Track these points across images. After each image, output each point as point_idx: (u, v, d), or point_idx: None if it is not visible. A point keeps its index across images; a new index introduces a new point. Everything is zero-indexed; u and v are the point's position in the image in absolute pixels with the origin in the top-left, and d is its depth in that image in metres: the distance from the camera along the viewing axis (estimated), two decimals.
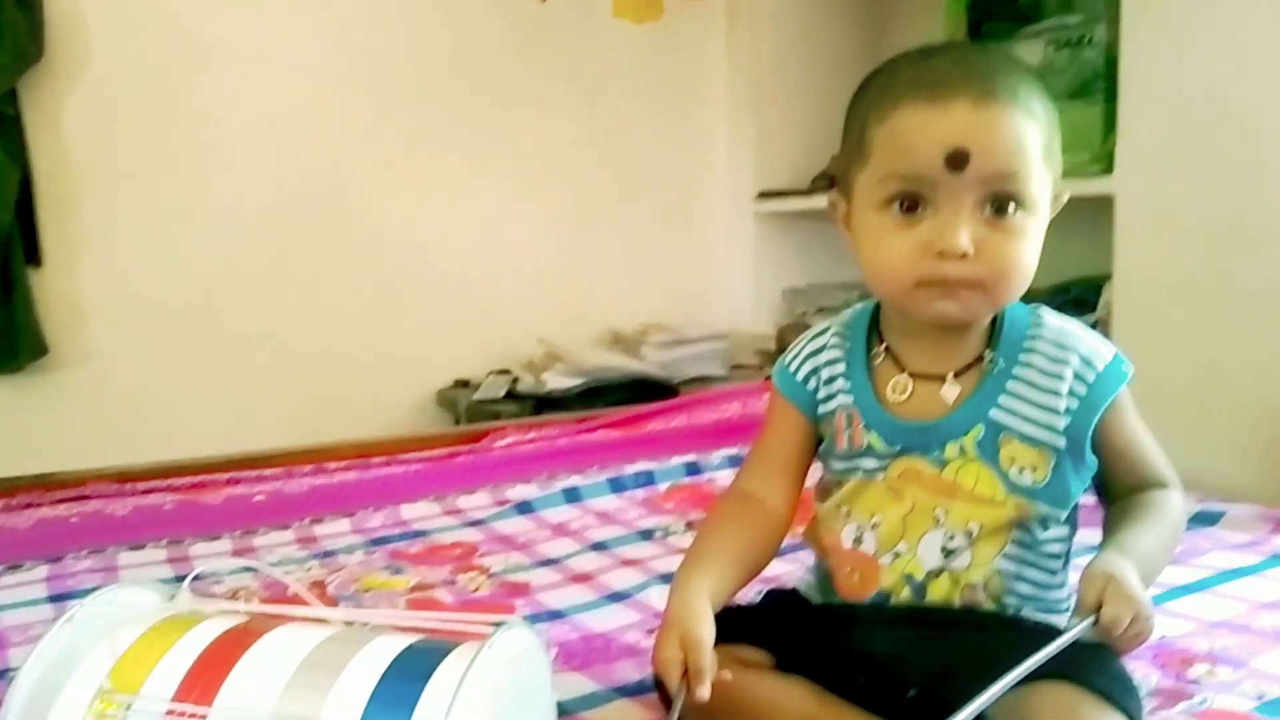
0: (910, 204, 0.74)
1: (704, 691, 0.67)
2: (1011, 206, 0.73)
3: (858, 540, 0.81)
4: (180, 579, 0.72)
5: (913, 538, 0.79)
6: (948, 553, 0.78)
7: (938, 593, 0.78)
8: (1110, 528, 0.79)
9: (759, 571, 0.83)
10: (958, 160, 0.71)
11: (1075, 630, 0.68)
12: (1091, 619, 0.68)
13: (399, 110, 2.20)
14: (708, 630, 0.70)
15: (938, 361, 0.80)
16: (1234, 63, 1.57)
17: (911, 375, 0.81)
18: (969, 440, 0.78)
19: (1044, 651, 0.66)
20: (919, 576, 0.79)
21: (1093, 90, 1.84)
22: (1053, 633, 0.70)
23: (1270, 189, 1.54)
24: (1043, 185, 0.75)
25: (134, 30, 1.94)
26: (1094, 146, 1.83)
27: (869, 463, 0.81)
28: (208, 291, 2.04)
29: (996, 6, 2.08)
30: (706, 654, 0.68)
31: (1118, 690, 0.67)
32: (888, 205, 0.75)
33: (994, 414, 0.78)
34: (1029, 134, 0.73)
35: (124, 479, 1.60)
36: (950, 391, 0.79)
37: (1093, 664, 0.68)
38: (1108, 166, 1.76)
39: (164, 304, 2.00)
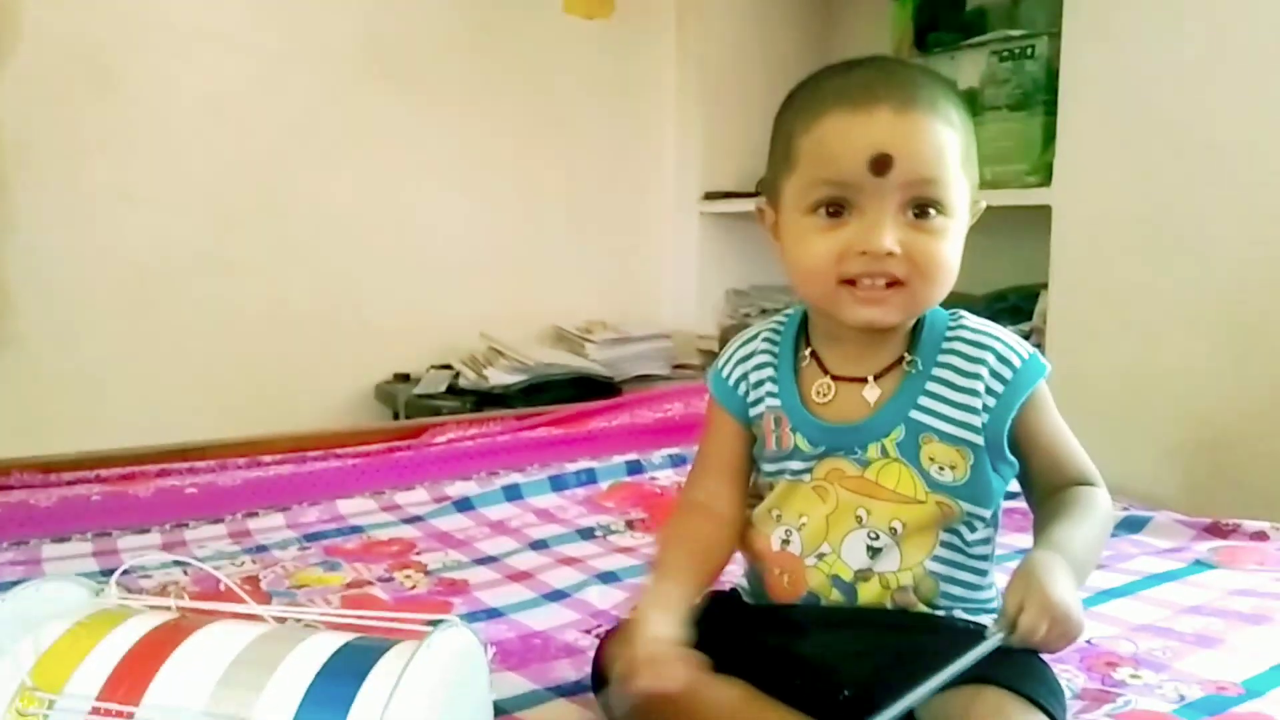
0: (836, 208, 0.77)
1: (643, 682, 0.68)
2: (933, 211, 0.76)
3: (785, 542, 0.83)
4: (107, 573, 0.71)
5: (835, 538, 0.80)
6: (873, 552, 0.79)
7: (869, 595, 0.80)
8: (1040, 526, 0.81)
9: (715, 577, 0.85)
10: (881, 165, 0.74)
11: (991, 641, 0.69)
12: (1006, 630, 0.70)
13: (343, 97, 2.16)
14: (660, 628, 0.72)
15: (859, 365, 0.82)
16: (1170, 80, 1.61)
17: (834, 378, 0.83)
18: (890, 441, 0.80)
19: (963, 660, 0.67)
20: (846, 577, 0.80)
21: (1034, 103, 1.88)
22: (978, 630, 0.72)
23: (1201, 202, 1.58)
24: (961, 192, 0.77)
25: (69, 8, 1.89)
26: (1033, 158, 1.87)
27: (795, 464, 0.83)
28: (141, 278, 1.99)
29: (942, 17, 2.11)
30: (654, 647, 0.70)
31: (1042, 693, 0.68)
32: (814, 210, 0.77)
33: (914, 414, 0.80)
34: (949, 141, 0.76)
35: (49, 469, 1.55)
36: (871, 393, 0.81)
37: (1019, 667, 0.70)
38: (1046, 178, 1.80)
39: (95, 289, 1.95)
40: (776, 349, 0.86)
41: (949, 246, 0.77)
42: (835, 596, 0.80)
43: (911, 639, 0.77)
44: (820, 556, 0.81)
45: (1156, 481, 1.61)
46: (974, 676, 0.68)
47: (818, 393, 0.83)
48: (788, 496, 0.83)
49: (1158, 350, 1.64)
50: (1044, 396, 0.82)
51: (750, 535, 0.86)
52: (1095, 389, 1.71)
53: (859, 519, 0.80)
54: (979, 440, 0.79)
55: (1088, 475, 0.83)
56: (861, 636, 0.78)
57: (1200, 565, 1.19)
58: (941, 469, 0.79)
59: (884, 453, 0.80)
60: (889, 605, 0.80)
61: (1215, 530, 1.30)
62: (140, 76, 1.96)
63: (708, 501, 0.87)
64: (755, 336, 0.89)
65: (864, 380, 0.82)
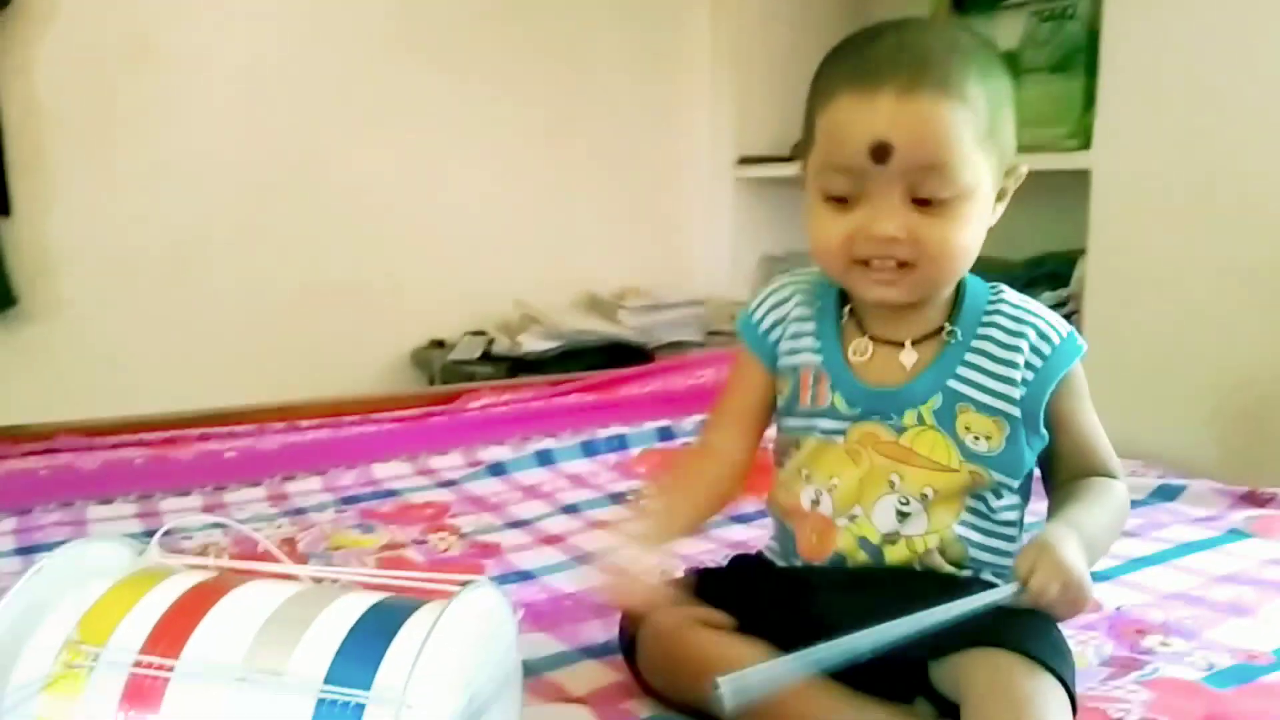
0: (845, 192, 0.77)
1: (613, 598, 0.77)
2: (940, 196, 0.75)
3: (815, 502, 0.83)
4: (149, 534, 0.72)
5: (868, 501, 0.81)
6: (902, 516, 0.80)
7: (896, 558, 0.80)
8: (1057, 507, 0.81)
9: (713, 513, 0.90)
10: (881, 153, 0.74)
11: (998, 593, 0.70)
12: (1017, 586, 0.71)
13: (376, 68, 2.17)
14: (643, 555, 0.77)
15: (898, 329, 0.83)
16: (1213, 41, 1.57)
17: (872, 339, 0.83)
18: (926, 409, 0.80)
19: (965, 602, 0.68)
20: (874, 540, 0.81)
21: (1074, 64, 1.84)
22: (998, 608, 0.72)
23: (1244, 169, 1.55)
24: (977, 169, 0.76)
25: None
26: (1073, 121, 1.83)
27: (827, 423, 0.83)
28: (179, 245, 2.02)
29: None
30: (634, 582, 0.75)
31: (1050, 654, 0.69)
32: (825, 191, 0.78)
33: (951, 383, 0.80)
34: (957, 123, 0.74)
35: (93, 433, 1.59)
36: (908, 358, 0.82)
37: (1027, 630, 0.70)
38: (1085, 142, 1.77)
39: (135, 257, 1.98)
40: (817, 303, 0.86)
41: (958, 228, 0.76)
42: (862, 558, 0.81)
43: (933, 599, 0.77)
44: (852, 518, 0.81)
45: (1194, 449, 1.59)
46: (981, 638, 0.68)
47: (855, 351, 0.83)
48: (818, 456, 0.83)
49: (1197, 318, 1.62)
50: (1080, 381, 0.83)
51: (778, 493, 0.87)
52: (1133, 356, 1.69)
53: (891, 484, 0.80)
54: (1015, 411, 0.80)
55: (1111, 467, 0.84)
56: (883, 597, 0.78)
57: (1235, 534, 1.18)
58: (977, 439, 0.80)
59: (920, 420, 0.80)
60: (917, 568, 0.80)
61: (1252, 499, 1.29)
62: (176, 48, 1.97)
63: (721, 445, 0.89)
64: (792, 285, 0.89)
65: (901, 345, 0.82)
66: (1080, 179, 1.74)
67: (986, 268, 0.84)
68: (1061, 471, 0.84)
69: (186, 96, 1.99)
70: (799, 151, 0.86)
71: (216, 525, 1.19)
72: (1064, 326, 0.83)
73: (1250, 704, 0.79)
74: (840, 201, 0.77)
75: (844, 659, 0.67)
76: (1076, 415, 0.83)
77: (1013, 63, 1.95)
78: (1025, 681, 0.66)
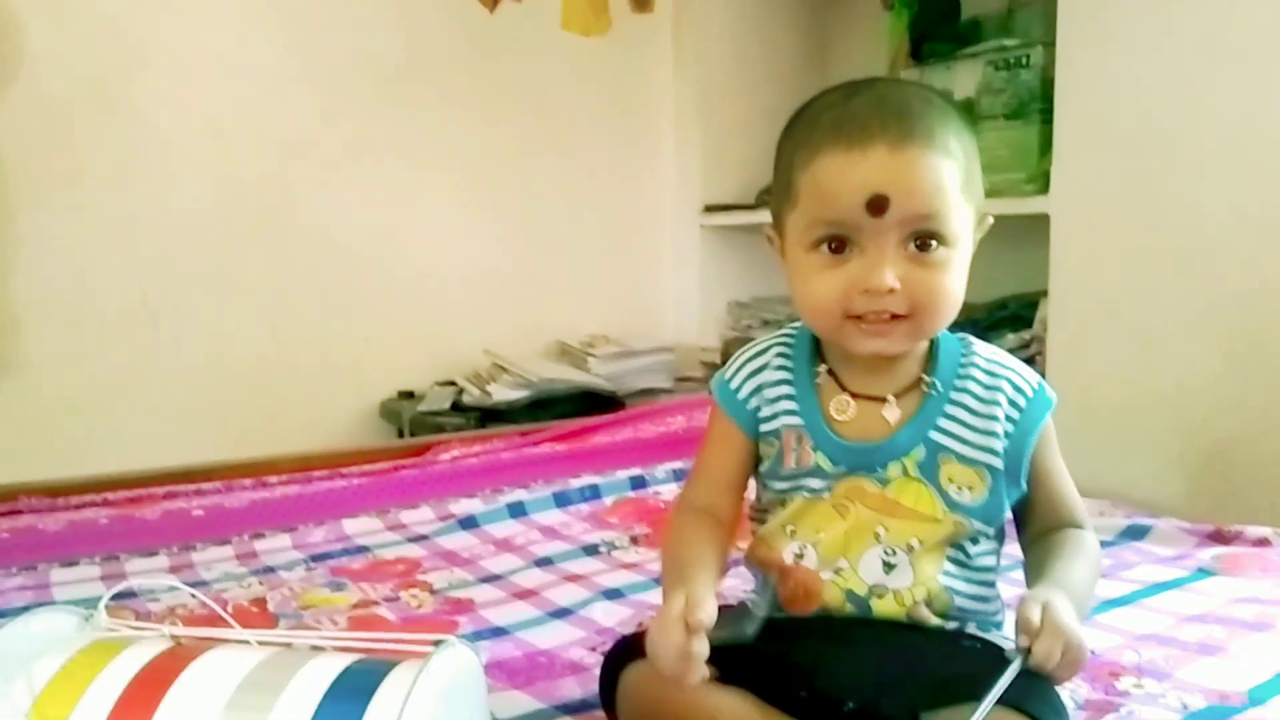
0: (837, 245, 0.78)
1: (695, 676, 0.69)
2: (933, 243, 0.77)
3: (800, 555, 0.83)
4: (116, 597, 0.71)
5: (854, 554, 0.81)
6: (888, 567, 0.80)
7: (885, 610, 0.80)
8: (1039, 564, 0.82)
9: (723, 575, 0.85)
10: (878, 206, 0.75)
11: (1013, 667, 0.70)
12: (1022, 657, 0.71)
13: (344, 115, 2.18)
14: (702, 613, 0.70)
15: (878, 384, 0.83)
16: (1165, 87, 1.62)
17: (853, 395, 0.83)
18: (910, 460, 0.81)
19: (995, 691, 0.68)
20: (860, 592, 0.80)
21: (1029, 111, 1.88)
22: (986, 645, 0.72)
23: (1197, 210, 1.59)
24: (963, 218, 0.78)
25: (70, 31, 1.90)
26: (1030, 166, 1.87)
27: (814, 482, 0.83)
28: (145, 299, 2.00)
29: (937, 27, 2.12)
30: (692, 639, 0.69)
31: (1047, 713, 0.69)
32: (815, 247, 0.79)
33: (934, 435, 0.81)
34: (946, 173, 0.76)
35: (57, 493, 1.56)
36: (891, 413, 0.82)
37: (1024, 686, 0.70)
38: (1044, 186, 1.81)
39: (100, 312, 1.96)
40: (791, 364, 0.86)
41: (950, 277, 0.78)
42: (849, 611, 0.81)
43: (915, 650, 0.78)
44: (837, 571, 0.81)
45: (1158, 488, 1.61)
46: (977, 694, 0.68)
47: (836, 410, 0.83)
48: (804, 513, 0.83)
49: (1158, 356, 1.65)
50: (1052, 433, 0.84)
51: (758, 549, 0.86)
52: (1096, 396, 1.71)
53: (876, 536, 0.81)
54: (997, 463, 0.81)
55: (1080, 517, 0.86)
56: (867, 648, 0.78)
57: (1203, 573, 1.20)
58: (960, 489, 0.80)
59: (904, 472, 0.81)
60: (905, 620, 0.80)
61: (1218, 537, 1.30)
62: (141, 98, 1.97)
63: (708, 507, 0.87)
64: (765, 350, 0.88)
65: (883, 400, 0.82)
66: (1040, 223, 1.78)
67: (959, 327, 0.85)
68: (1035, 522, 0.86)
69: (152, 148, 1.99)
70: (765, 201, 0.87)
71: (172, 589, 1.16)
72: (1035, 378, 0.84)
73: None
74: (833, 254, 0.78)
75: None
76: (1050, 467, 0.85)
77: (970, 110, 1.99)
78: None
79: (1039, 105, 1.86)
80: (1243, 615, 1.05)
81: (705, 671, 0.70)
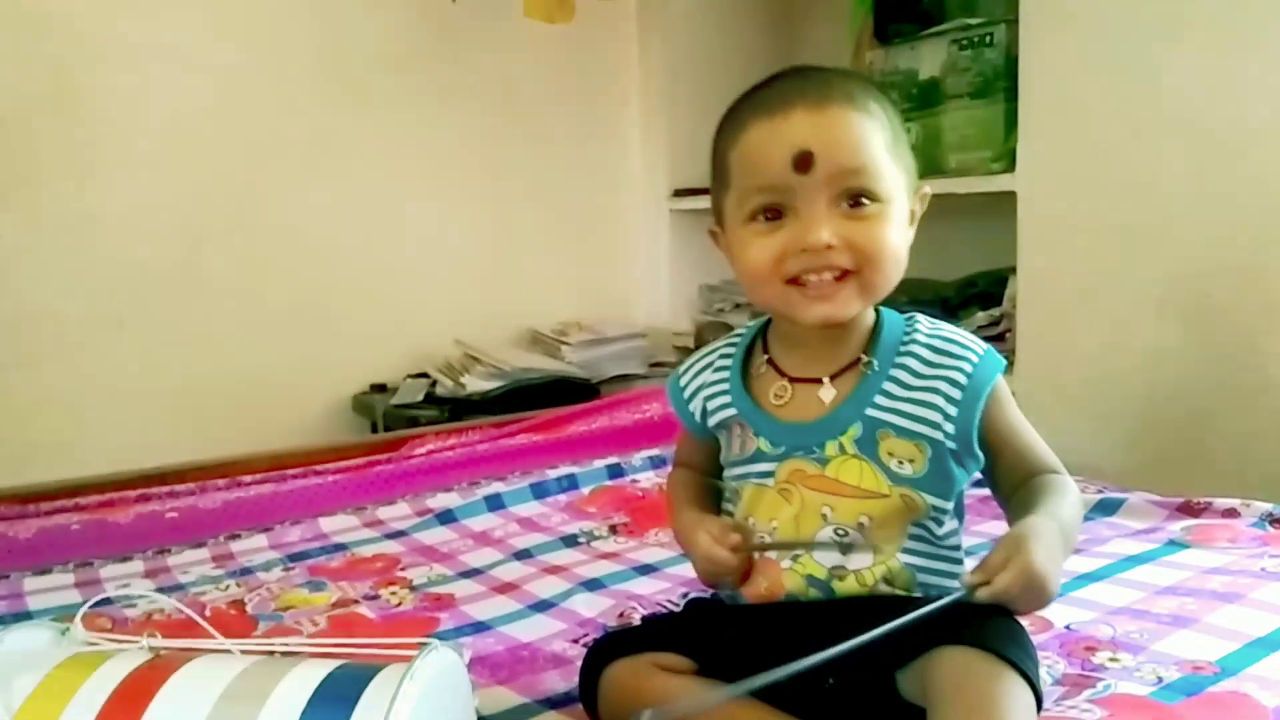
0: (773, 213, 0.79)
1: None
2: (865, 200, 0.78)
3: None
4: (92, 605, 0.70)
5: (806, 537, 0.82)
6: (844, 548, 0.81)
7: (846, 591, 0.81)
8: (1022, 507, 0.81)
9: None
10: (803, 162, 0.76)
11: (959, 594, 0.72)
12: (965, 591, 0.72)
13: (308, 110, 2.15)
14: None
15: (816, 367, 0.85)
16: (1128, 63, 1.63)
17: (791, 380, 0.85)
18: (848, 438, 0.81)
19: (930, 606, 0.70)
20: (820, 575, 0.81)
21: (994, 90, 1.89)
22: (958, 607, 0.74)
23: (1162, 185, 1.60)
24: (894, 179, 0.79)
25: (27, 30, 1.86)
26: (996, 145, 1.88)
27: (760, 466, 0.84)
28: (110, 300, 1.97)
29: (900, 8, 2.12)
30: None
31: (1013, 649, 0.69)
32: (752, 218, 0.80)
33: (870, 411, 0.81)
34: (869, 129, 0.78)
35: (26, 499, 1.54)
36: (826, 394, 0.83)
37: (990, 626, 0.71)
38: (1010, 164, 1.82)
39: (64, 314, 1.93)
40: (731, 361, 0.89)
41: (889, 231, 0.78)
42: (813, 594, 0.82)
43: (882, 619, 0.78)
44: (795, 558, 0.82)
45: (1129, 462, 1.63)
46: (944, 638, 0.69)
47: (775, 395, 0.85)
48: (756, 502, 0.85)
49: (1126, 332, 1.67)
50: (1004, 392, 0.84)
51: None
52: (1066, 372, 1.73)
53: (824, 517, 0.81)
54: (937, 435, 0.81)
55: (1053, 464, 0.85)
56: (840, 626, 0.79)
57: (1174, 545, 1.21)
58: (901, 462, 0.81)
59: (842, 450, 0.81)
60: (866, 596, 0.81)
61: (1187, 509, 1.32)
62: (101, 97, 1.94)
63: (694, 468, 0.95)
64: (712, 351, 0.92)
65: (819, 381, 0.84)
66: (1007, 200, 1.79)
67: (919, 290, 0.86)
68: (1008, 481, 0.85)
69: (113, 146, 1.95)
70: (713, 207, 0.88)
71: (143, 596, 1.15)
72: (979, 345, 0.84)
73: (1198, 715, 0.80)
74: (769, 222, 0.79)
75: (773, 681, 0.67)
76: (1010, 426, 0.85)
77: (935, 90, 2.00)
78: (990, 679, 0.67)
79: (1004, 83, 1.87)
80: (1213, 586, 1.07)
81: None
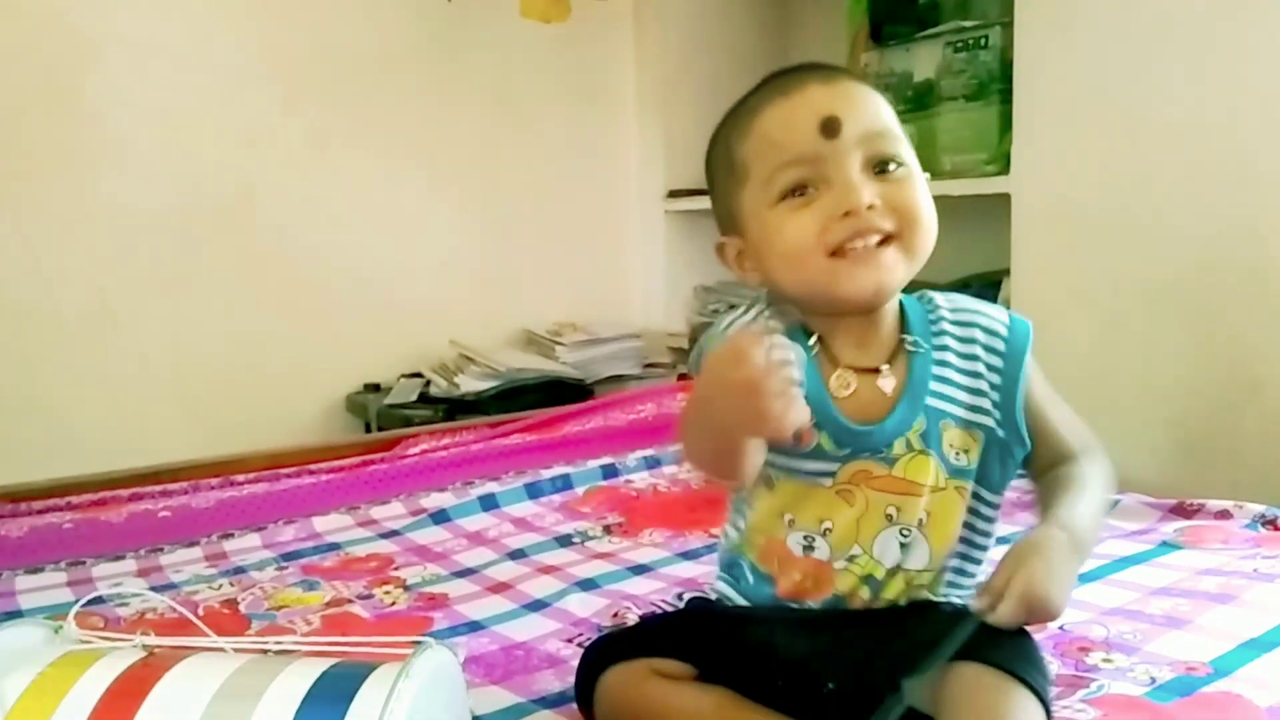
0: (801, 189, 0.76)
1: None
2: (893, 164, 0.77)
3: (808, 548, 0.79)
4: (85, 603, 0.69)
5: (866, 539, 0.78)
6: (904, 548, 0.79)
7: (892, 592, 0.79)
8: (1045, 501, 0.82)
9: None
10: (831, 126, 0.75)
11: (969, 626, 0.71)
12: (976, 623, 0.72)
13: (303, 108, 2.15)
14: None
15: (866, 353, 0.80)
16: (1123, 65, 1.63)
17: (851, 370, 0.79)
18: (914, 434, 0.78)
19: (945, 648, 0.69)
20: (879, 575, 0.79)
21: (989, 92, 1.90)
22: (964, 609, 0.74)
23: (1158, 185, 1.61)
24: (910, 151, 0.79)
25: (19, 26, 1.86)
26: (991, 147, 1.89)
27: (817, 464, 0.78)
28: (104, 298, 1.96)
29: (896, 10, 2.13)
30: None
31: (1023, 666, 0.70)
32: (781, 199, 0.76)
33: (930, 401, 0.79)
34: (882, 101, 0.79)
35: (18, 498, 1.53)
36: (887, 383, 0.79)
37: (1003, 643, 0.71)
38: (1004, 166, 1.82)
39: (58, 312, 1.92)
40: (785, 331, 0.78)
41: (923, 192, 0.78)
42: (864, 594, 0.79)
43: (891, 626, 0.78)
44: (851, 559, 0.78)
45: (1123, 463, 1.62)
46: (958, 654, 0.69)
47: (838, 385, 0.78)
48: (802, 500, 0.79)
49: (1120, 333, 1.67)
50: (1033, 365, 0.83)
51: (753, 536, 0.82)
52: (1059, 373, 1.71)
53: (889, 517, 0.78)
54: (989, 422, 0.79)
55: (1082, 443, 0.85)
56: (842, 630, 0.79)
57: (1167, 546, 1.22)
58: (958, 454, 0.79)
59: (909, 446, 0.78)
60: (905, 599, 0.80)
61: (1180, 511, 1.33)
62: (96, 95, 1.93)
63: None
64: (749, 314, 0.83)
65: (876, 370, 0.79)
66: (1001, 202, 1.79)
67: (912, 291, 0.85)
68: (1041, 458, 0.84)
69: (106, 143, 1.95)
70: (718, 216, 0.84)
71: (136, 595, 1.15)
72: (1003, 314, 0.83)
73: (1192, 715, 0.81)
74: (799, 197, 0.75)
75: None
76: (1042, 398, 0.83)
77: (930, 92, 2.00)
78: (1001, 696, 0.67)
79: (998, 86, 1.87)
80: (1206, 587, 1.07)
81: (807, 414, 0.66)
